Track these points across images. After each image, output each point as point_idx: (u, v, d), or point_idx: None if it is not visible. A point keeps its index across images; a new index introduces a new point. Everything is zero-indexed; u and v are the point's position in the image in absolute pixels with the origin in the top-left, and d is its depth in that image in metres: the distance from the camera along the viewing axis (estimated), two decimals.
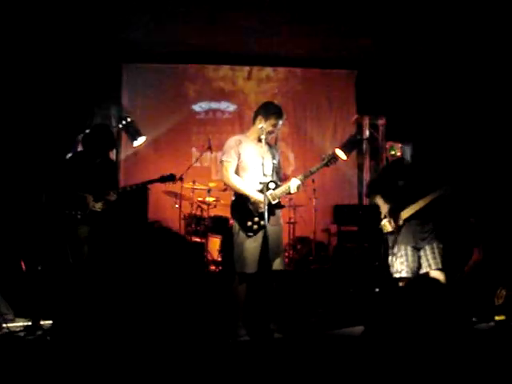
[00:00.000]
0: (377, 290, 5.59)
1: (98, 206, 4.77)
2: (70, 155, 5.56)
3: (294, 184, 4.40)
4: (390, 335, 3.52)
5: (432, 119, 7.02)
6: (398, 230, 4.61)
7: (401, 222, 4.59)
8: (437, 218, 4.62)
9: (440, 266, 4.47)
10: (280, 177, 4.58)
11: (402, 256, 4.54)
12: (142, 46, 7.62)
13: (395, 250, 4.61)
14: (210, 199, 7.15)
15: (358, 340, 3.58)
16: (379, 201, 4.74)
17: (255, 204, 4.34)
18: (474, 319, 5.05)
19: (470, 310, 4.99)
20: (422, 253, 4.54)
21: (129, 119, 7.30)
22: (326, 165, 4.52)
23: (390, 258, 4.65)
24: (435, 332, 3.24)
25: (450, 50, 7.20)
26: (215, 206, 7.22)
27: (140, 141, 7.44)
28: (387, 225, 4.65)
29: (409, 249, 4.54)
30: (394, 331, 3.53)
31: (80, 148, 6.25)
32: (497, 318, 5.01)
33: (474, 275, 5.55)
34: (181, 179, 6.58)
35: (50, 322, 4.71)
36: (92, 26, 6.83)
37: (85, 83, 7.34)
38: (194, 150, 8.30)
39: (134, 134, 7.32)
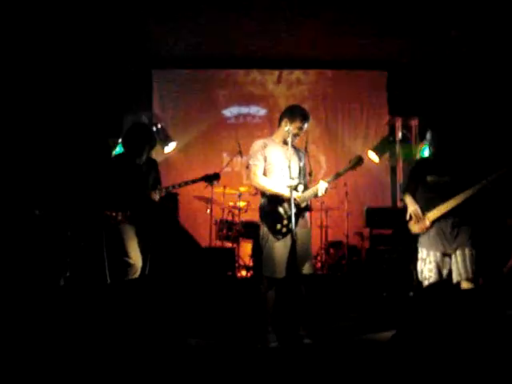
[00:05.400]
0: (411, 293, 5.46)
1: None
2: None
3: (322, 186, 4.29)
4: (423, 339, 3.42)
5: (464, 115, 6.86)
6: (425, 232, 4.34)
7: (428, 224, 4.32)
8: (470, 220, 4.29)
9: (470, 276, 4.13)
10: (306, 180, 4.50)
11: (430, 262, 4.27)
12: (171, 52, 7.68)
13: (424, 255, 4.35)
14: (241, 204, 7.13)
15: (388, 344, 3.49)
16: (407, 199, 4.48)
17: (286, 206, 4.28)
18: None
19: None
20: (453, 259, 4.21)
21: (159, 125, 7.38)
22: (353, 168, 4.34)
23: (418, 263, 4.40)
24: (466, 336, 3.13)
25: (483, 46, 7.02)
26: (246, 211, 7.18)
27: (171, 147, 7.53)
28: (414, 226, 4.41)
29: (438, 255, 4.26)
30: (427, 336, 3.43)
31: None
32: None
33: None
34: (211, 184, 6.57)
35: None
36: (123, 34, 6.91)
37: (115, 90, 7.42)
38: (224, 154, 8.28)
39: (165, 140, 7.41)
